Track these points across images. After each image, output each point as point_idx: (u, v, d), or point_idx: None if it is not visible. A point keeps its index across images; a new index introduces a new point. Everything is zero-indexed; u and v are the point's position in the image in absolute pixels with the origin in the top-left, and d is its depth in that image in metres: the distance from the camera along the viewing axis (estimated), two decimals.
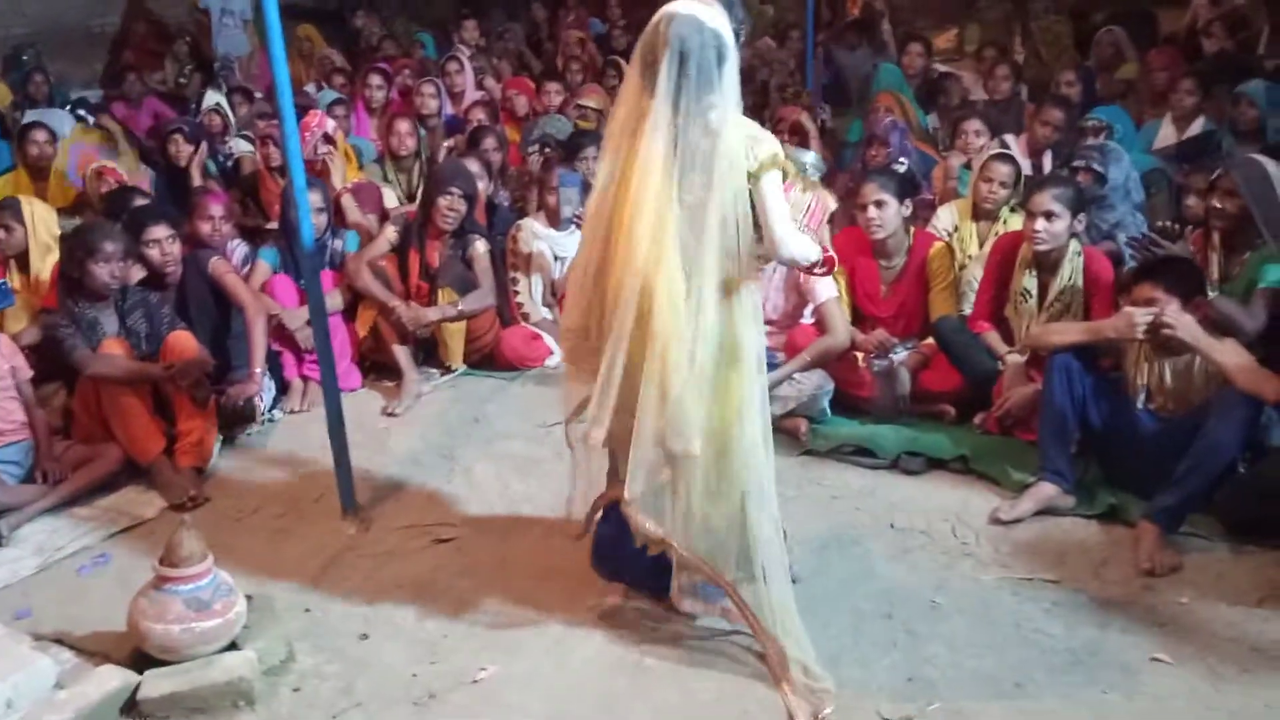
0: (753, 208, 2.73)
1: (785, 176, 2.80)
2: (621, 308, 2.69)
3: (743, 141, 2.70)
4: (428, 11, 13.17)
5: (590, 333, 2.86)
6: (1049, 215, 4.07)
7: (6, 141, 6.89)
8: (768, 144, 2.75)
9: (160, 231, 4.51)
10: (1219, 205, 4.10)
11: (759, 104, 8.05)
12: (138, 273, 4.55)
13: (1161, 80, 6.89)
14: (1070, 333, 3.82)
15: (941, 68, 7.87)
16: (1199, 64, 9.05)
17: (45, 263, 4.99)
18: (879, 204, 4.45)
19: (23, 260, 4.99)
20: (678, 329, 2.68)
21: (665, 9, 2.68)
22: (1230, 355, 3.47)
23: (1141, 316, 3.55)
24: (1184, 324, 3.49)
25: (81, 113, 7.38)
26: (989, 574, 3.42)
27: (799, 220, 2.83)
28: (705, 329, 2.72)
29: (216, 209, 4.90)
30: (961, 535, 3.64)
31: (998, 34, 9.68)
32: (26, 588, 3.59)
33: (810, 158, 3.84)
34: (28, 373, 4.24)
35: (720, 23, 2.67)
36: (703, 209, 2.67)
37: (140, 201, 5.12)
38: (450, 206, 4.94)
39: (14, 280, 5.01)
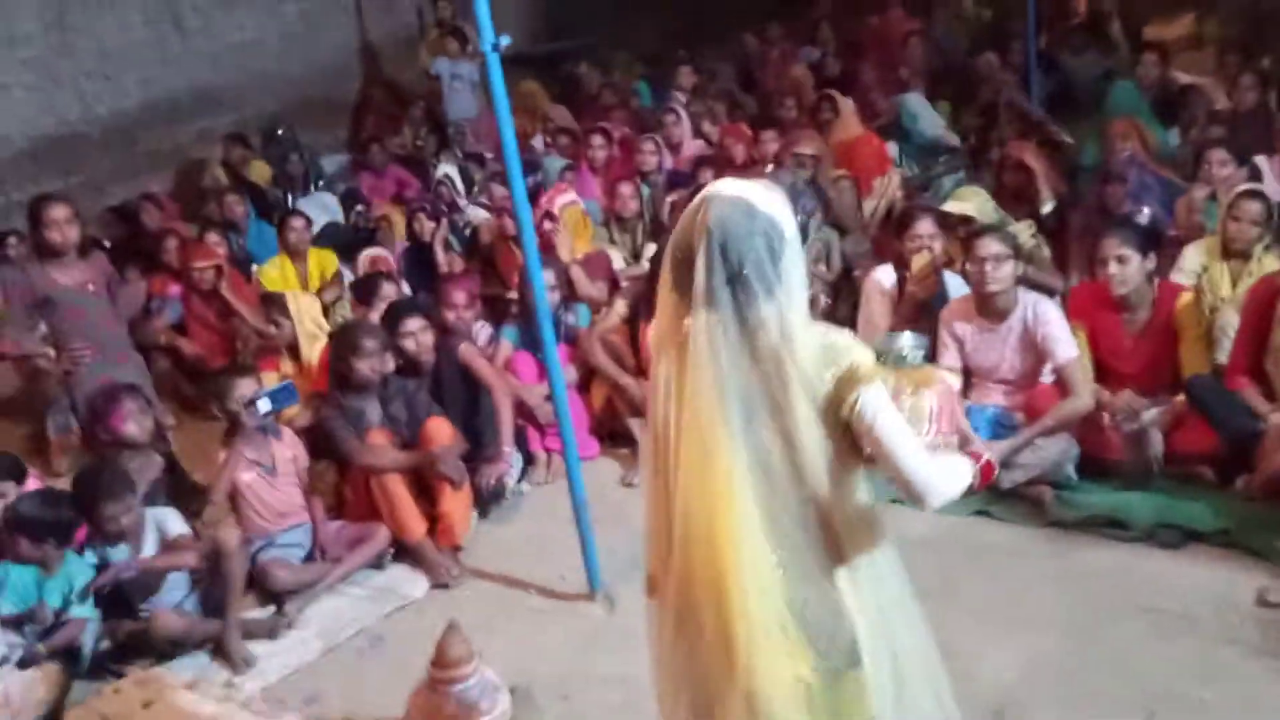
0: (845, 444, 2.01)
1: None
2: (694, 609, 2.04)
3: (817, 357, 1.98)
4: (638, 41, 13.47)
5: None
6: None
7: (268, 223, 7.49)
8: (852, 351, 2.00)
9: (414, 324, 4.84)
10: None
11: (987, 125, 7.83)
12: (392, 361, 4.89)
13: None
14: None
15: (1181, 77, 7.42)
16: None
17: (313, 350, 5.45)
18: (1120, 259, 4.29)
19: (294, 349, 5.47)
20: (769, 642, 1.97)
21: (707, 189, 2.06)
22: None
23: None
24: None
25: (359, 209, 7.94)
26: (1258, 663, 3.26)
27: (926, 434, 2.14)
28: (809, 624, 2.00)
29: (460, 297, 5.22)
30: (1226, 619, 3.47)
31: (1239, 28, 9.04)
32: (314, 670, 3.95)
33: (906, 340, 2.58)
34: (306, 461, 4.66)
35: (776, 208, 2.02)
36: (781, 461, 1.98)
37: (387, 286, 5.48)
38: None
39: (288, 367, 5.50)
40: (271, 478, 4.52)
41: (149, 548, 4.10)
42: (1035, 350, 4.42)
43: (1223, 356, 4.43)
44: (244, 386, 4.51)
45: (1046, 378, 4.46)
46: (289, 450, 4.62)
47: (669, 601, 2.11)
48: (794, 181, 2.53)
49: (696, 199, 2.04)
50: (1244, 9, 9.33)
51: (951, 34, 10.57)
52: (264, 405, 4.44)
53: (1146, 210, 4.94)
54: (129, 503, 4.03)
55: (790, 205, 2.10)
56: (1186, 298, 4.42)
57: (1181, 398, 4.31)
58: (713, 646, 2.00)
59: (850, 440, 2.00)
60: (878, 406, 1.97)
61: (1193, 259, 4.82)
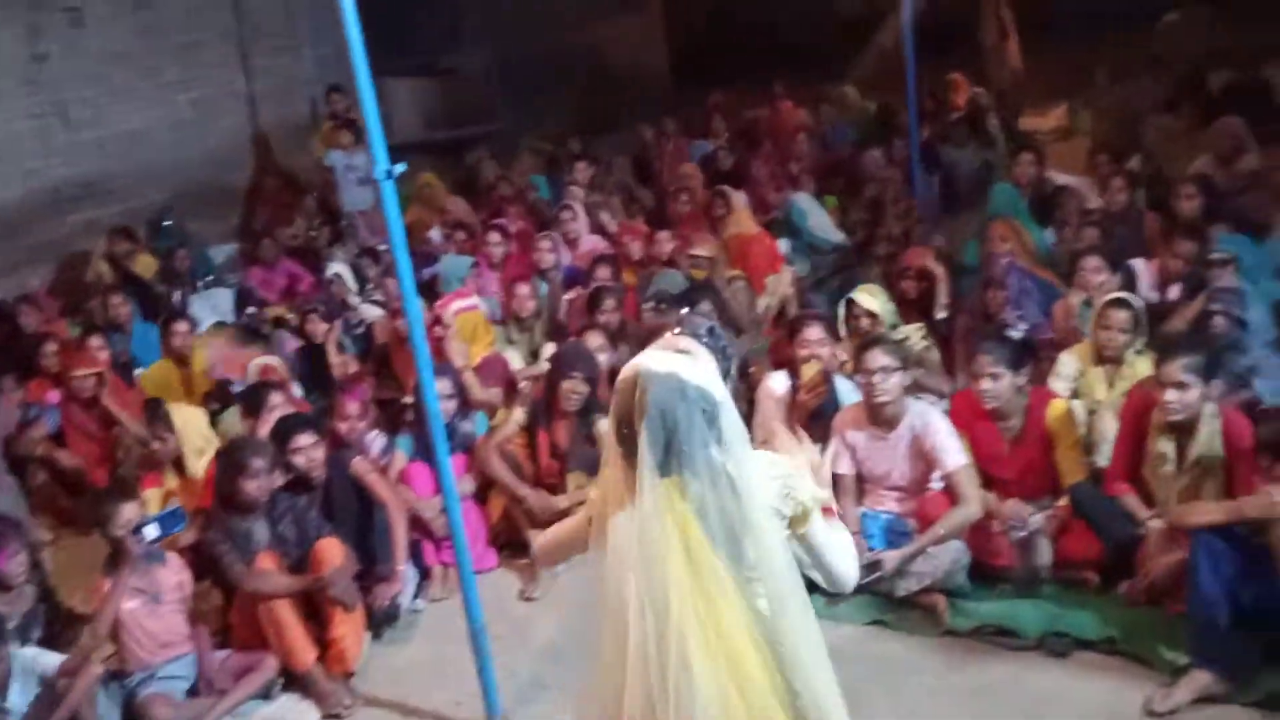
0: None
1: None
2: None
3: (775, 490, 2.30)
4: (537, 130, 13.60)
5: None
6: (1180, 386, 3.98)
7: (153, 322, 7.28)
8: (804, 483, 2.36)
9: (305, 440, 4.74)
10: None
11: (873, 220, 8.06)
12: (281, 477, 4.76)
13: None
14: (1212, 512, 3.74)
15: (1057, 177, 7.75)
16: None
17: (199, 464, 5.28)
18: (993, 376, 4.43)
19: (178, 463, 5.29)
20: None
21: (641, 365, 2.24)
22: None
23: None
24: None
25: (251, 309, 7.78)
26: None
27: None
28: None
29: (352, 408, 5.13)
30: None
31: (1106, 126, 9.54)
32: None
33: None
34: (191, 587, 4.50)
35: (705, 376, 2.24)
36: (766, 560, 2.20)
37: (275, 396, 5.36)
38: (573, 390, 5.08)
39: (172, 481, 5.32)
40: (155, 606, 4.35)
41: (17, 693, 3.88)
42: (925, 458, 4.51)
43: (1102, 460, 4.57)
44: (128, 511, 4.35)
45: (936, 484, 4.55)
46: (174, 577, 4.45)
47: None
48: (711, 326, 2.57)
49: (630, 375, 2.23)
50: (1113, 107, 9.82)
51: (840, 127, 10.89)
52: (151, 532, 4.27)
53: (1022, 326, 5.05)
54: None
55: (711, 350, 2.37)
56: (1058, 406, 4.55)
57: (1065, 503, 4.44)
58: None
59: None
60: (822, 535, 2.39)
61: (1069, 365, 4.99)
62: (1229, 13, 11.88)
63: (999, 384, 4.43)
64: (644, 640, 2.13)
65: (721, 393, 2.26)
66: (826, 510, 2.46)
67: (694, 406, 2.18)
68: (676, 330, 2.53)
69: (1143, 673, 3.79)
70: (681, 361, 2.25)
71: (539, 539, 2.95)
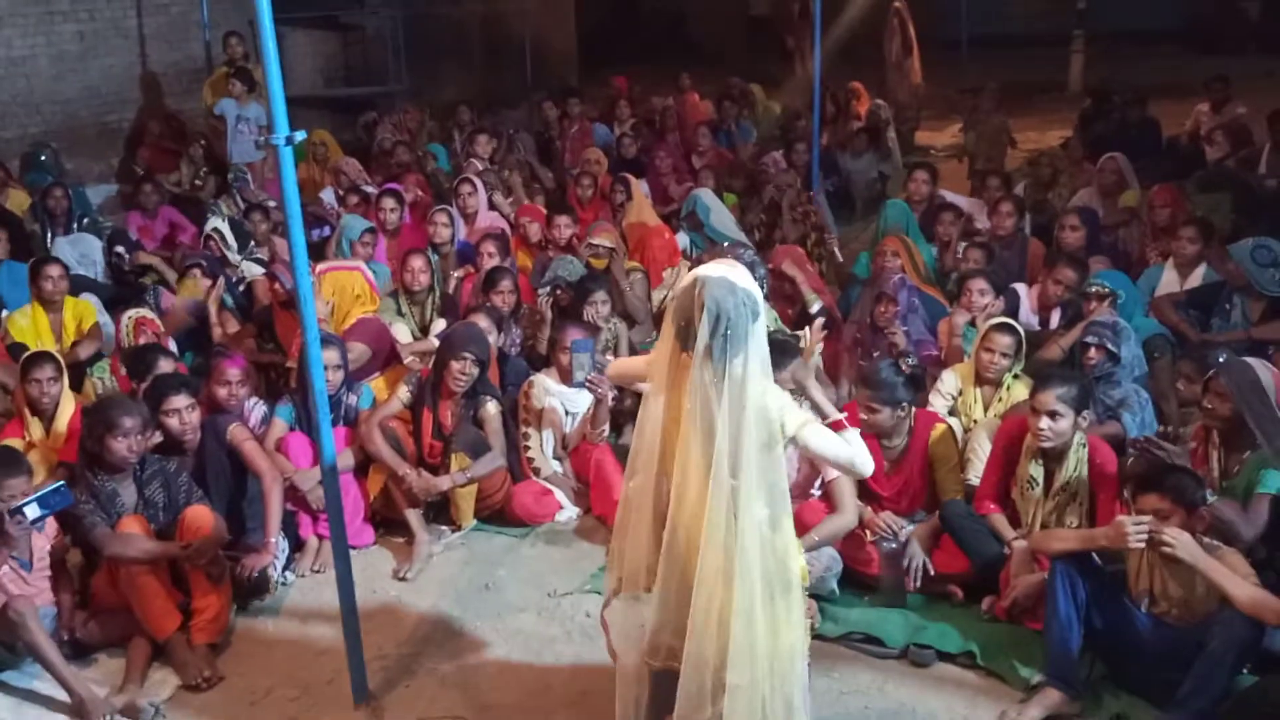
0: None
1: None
2: (675, 555, 2.98)
3: (774, 404, 2.93)
4: (436, 94, 13.40)
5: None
6: (1053, 414, 4.15)
7: (21, 262, 6.93)
8: (791, 413, 3.00)
9: (180, 401, 4.59)
10: (1211, 406, 4.19)
11: (771, 222, 8.16)
12: (156, 437, 4.59)
13: (1163, 217, 6.99)
14: (1069, 540, 3.88)
15: (947, 196, 7.95)
16: (1200, 172, 9.23)
17: (64, 414, 5.06)
18: (870, 410, 4.53)
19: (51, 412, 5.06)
20: (726, 562, 2.90)
21: (698, 273, 2.92)
22: (1230, 578, 3.51)
23: (1133, 528, 3.58)
24: (1183, 544, 3.54)
25: (120, 249, 7.43)
26: None
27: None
28: (751, 559, 2.90)
29: (233, 373, 4.97)
30: None
31: (993, 145, 9.87)
32: None
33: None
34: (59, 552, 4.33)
35: (749, 284, 2.91)
36: (739, 449, 2.86)
37: (164, 361, 5.16)
38: (463, 370, 5.02)
39: (36, 431, 5.08)
40: (25, 573, 4.16)
41: None
42: (809, 463, 4.58)
43: (974, 477, 4.72)
44: (14, 486, 4.09)
45: (815, 492, 4.64)
46: (48, 543, 4.28)
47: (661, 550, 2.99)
48: (753, 260, 3.71)
49: (690, 281, 2.90)
50: (994, 132, 10.15)
51: (743, 126, 10.99)
52: (32, 511, 4.01)
53: (910, 359, 5.08)
54: None
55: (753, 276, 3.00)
56: (940, 430, 4.68)
57: (936, 518, 4.58)
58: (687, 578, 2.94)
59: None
60: (816, 441, 3.05)
61: (950, 382, 5.14)
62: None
63: (877, 416, 4.54)
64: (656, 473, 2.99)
65: (760, 300, 2.93)
66: (837, 424, 3.15)
67: (741, 301, 2.84)
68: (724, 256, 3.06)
69: (999, 688, 3.93)
70: (732, 270, 2.91)
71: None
